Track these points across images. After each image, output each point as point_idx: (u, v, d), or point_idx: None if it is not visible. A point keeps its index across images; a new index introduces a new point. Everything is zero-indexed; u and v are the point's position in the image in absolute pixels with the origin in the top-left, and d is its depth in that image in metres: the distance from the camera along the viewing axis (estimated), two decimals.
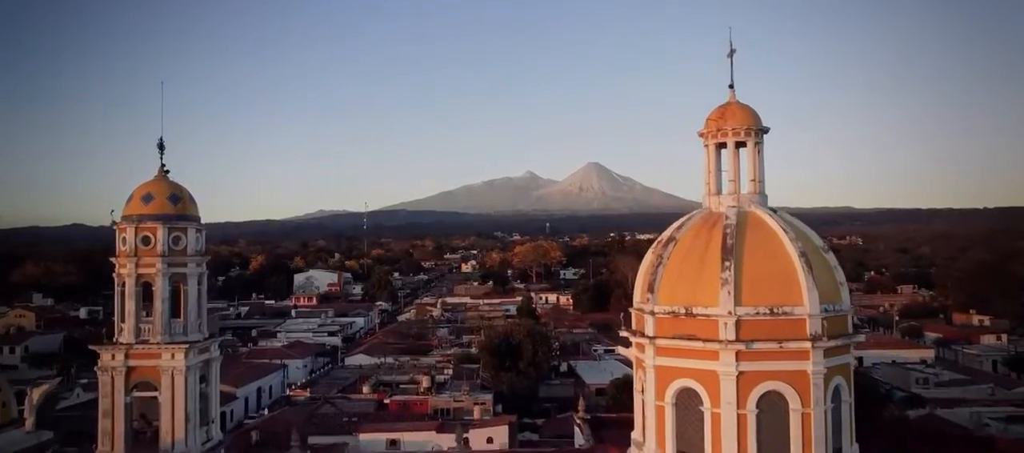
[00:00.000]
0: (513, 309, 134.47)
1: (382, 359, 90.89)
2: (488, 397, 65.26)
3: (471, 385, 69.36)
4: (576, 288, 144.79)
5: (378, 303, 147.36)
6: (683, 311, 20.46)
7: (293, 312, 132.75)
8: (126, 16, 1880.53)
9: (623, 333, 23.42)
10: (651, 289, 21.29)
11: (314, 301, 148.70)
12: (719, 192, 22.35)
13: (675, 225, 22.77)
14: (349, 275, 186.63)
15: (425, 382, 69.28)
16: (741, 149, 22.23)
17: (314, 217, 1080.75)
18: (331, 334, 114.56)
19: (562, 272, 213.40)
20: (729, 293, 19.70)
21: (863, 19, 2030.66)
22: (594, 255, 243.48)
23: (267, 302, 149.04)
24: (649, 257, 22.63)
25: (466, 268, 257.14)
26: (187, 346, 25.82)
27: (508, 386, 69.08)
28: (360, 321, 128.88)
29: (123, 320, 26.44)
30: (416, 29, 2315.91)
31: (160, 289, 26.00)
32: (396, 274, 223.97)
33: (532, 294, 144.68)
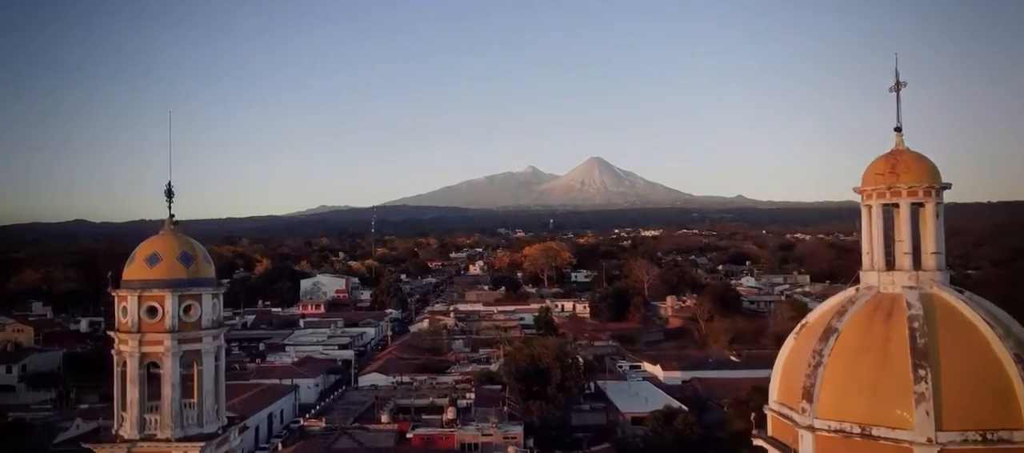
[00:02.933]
0: (528, 318, 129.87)
1: (398, 378, 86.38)
2: (518, 430, 60.50)
3: (498, 414, 64.70)
4: (593, 295, 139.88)
5: (388, 311, 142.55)
6: (858, 431, 15.61)
7: (301, 322, 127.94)
8: (127, 9, 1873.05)
9: (757, 441, 18.48)
10: (808, 396, 16.42)
11: (322, 309, 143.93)
12: (888, 267, 17.45)
13: (830, 308, 17.86)
14: (356, 280, 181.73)
15: (450, 412, 64.48)
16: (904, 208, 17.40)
17: (316, 213, 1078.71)
18: (342, 347, 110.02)
19: (573, 274, 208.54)
20: (928, 413, 14.86)
21: (860, 12, 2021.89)
22: (604, 256, 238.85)
23: (274, 310, 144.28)
24: (798, 347, 17.76)
25: (474, 269, 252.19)
26: (203, 443, 21.04)
27: (538, 415, 64.35)
28: (371, 331, 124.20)
29: (124, 409, 21.62)
30: (417, 24, 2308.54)
31: (169, 372, 21.18)
32: (403, 276, 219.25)
33: (548, 302, 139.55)
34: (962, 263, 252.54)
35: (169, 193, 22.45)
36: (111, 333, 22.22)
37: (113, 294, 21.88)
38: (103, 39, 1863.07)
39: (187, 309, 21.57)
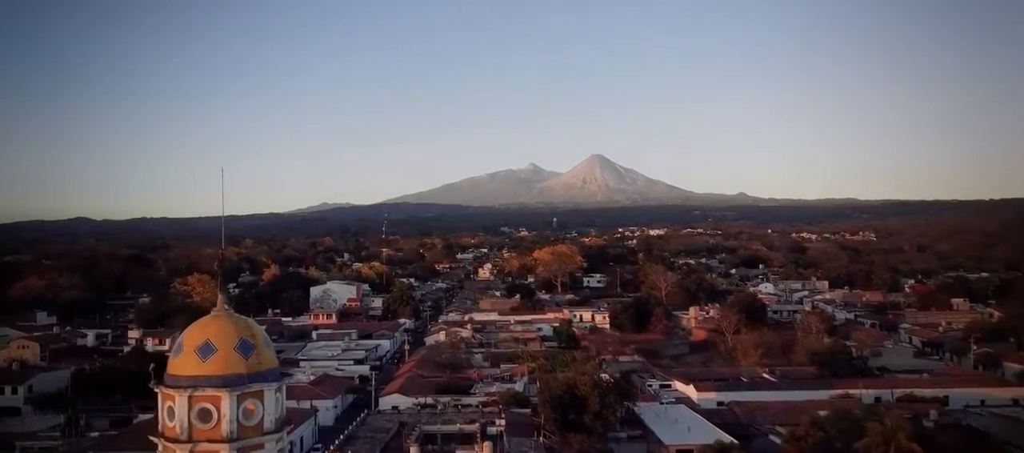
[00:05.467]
0: (546, 328, 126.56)
1: (421, 401, 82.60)
2: None
3: (536, 446, 61.03)
4: (613, 306, 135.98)
5: (402, 321, 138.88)
6: None
7: (314, 334, 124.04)
8: (128, 7, 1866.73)
9: None
10: None
11: (333, 318, 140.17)
12: None
13: None
14: (367, 287, 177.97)
15: (486, 448, 60.62)
16: None
17: (317, 210, 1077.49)
18: (357, 361, 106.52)
19: (585, 279, 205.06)
20: None
21: (857, 11, 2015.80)
22: (615, 260, 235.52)
23: (284, 319, 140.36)
24: None
25: (483, 273, 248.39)
26: None
27: (578, 449, 60.55)
28: (386, 344, 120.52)
29: None
30: (419, 22, 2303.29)
31: None
32: (412, 280, 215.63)
33: (566, 312, 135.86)
34: (974, 265, 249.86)
35: (222, 263, 18.65)
36: (155, 439, 18.41)
37: (157, 390, 18.07)
38: (104, 36, 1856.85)
39: (248, 412, 17.80)
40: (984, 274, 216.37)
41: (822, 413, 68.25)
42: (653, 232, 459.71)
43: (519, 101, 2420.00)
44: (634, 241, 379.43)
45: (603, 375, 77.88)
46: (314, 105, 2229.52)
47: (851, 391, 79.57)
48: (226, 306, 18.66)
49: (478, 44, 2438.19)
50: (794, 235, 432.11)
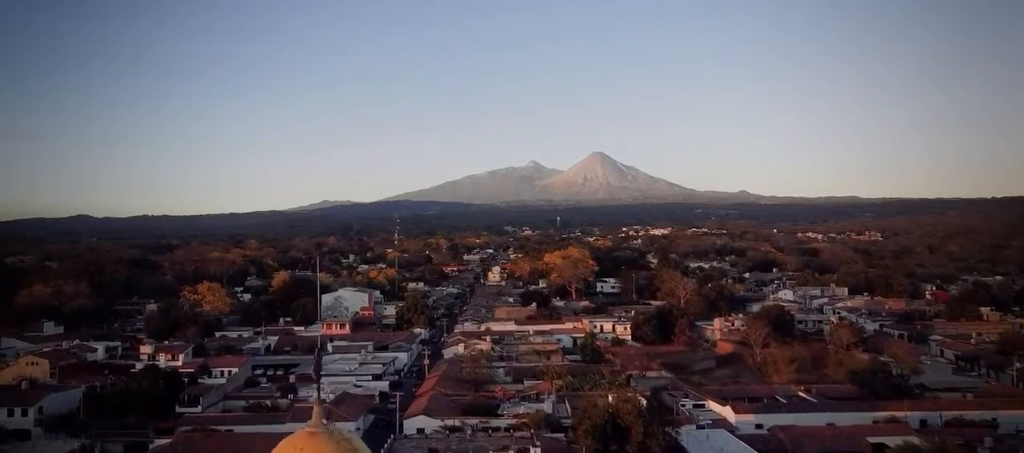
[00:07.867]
0: (565, 339, 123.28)
1: (449, 423, 79.10)
2: None
3: None
4: (635, 317, 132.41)
5: (417, 330, 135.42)
6: None
7: (329, 346, 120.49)
8: (130, 7, 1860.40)
9: None
10: None
11: (346, 328, 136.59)
12: None
13: None
14: (379, 294, 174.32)
15: None
16: None
17: (318, 208, 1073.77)
18: (375, 377, 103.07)
19: (599, 284, 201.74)
20: None
21: (857, 8, 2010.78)
22: (628, 264, 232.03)
23: (297, 330, 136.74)
24: None
25: (493, 277, 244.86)
26: None
27: None
28: (403, 357, 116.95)
29: None
30: (421, 20, 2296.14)
31: None
32: (421, 284, 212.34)
33: (586, 323, 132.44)
34: (987, 268, 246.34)
35: (318, 368, 15.26)
36: None
37: None
38: (106, 35, 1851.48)
39: None
40: (999, 277, 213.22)
41: (876, 440, 65.13)
42: (657, 231, 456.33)
43: (520, 98, 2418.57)
44: (639, 241, 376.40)
45: (639, 397, 74.63)
46: (315, 102, 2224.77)
47: (896, 414, 76.24)
48: (324, 421, 15.34)
49: (479, 42, 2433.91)
50: (800, 235, 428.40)
